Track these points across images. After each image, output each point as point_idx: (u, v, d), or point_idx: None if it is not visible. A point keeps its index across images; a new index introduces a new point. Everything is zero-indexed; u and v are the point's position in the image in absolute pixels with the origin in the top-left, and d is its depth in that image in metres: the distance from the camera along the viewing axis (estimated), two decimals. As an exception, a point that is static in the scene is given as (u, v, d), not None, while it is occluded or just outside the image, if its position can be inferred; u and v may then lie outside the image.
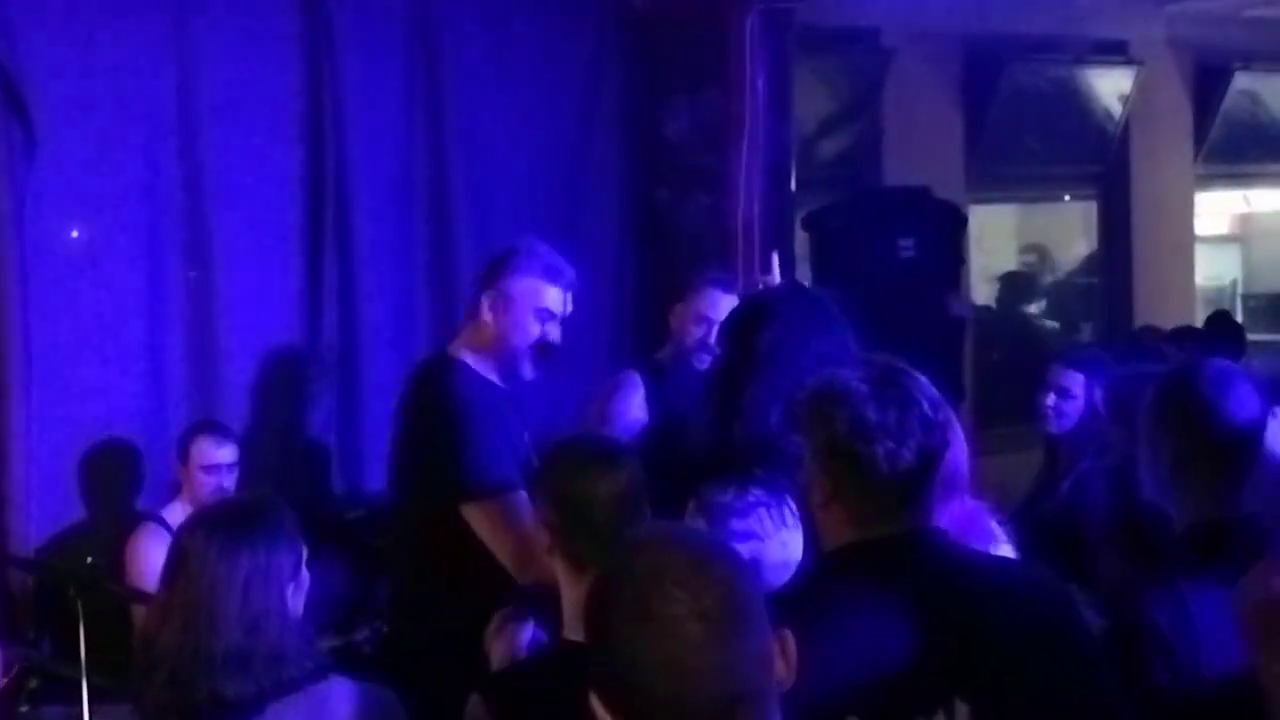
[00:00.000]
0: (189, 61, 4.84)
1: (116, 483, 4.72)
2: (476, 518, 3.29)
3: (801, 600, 2.07)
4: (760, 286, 4.38)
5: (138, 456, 4.75)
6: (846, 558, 2.14)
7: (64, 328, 4.65)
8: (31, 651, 3.95)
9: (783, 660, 1.56)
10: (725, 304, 4.20)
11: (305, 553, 2.50)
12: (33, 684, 3.58)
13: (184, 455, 4.47)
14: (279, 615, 2.39)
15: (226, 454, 4.46)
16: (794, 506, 2.56)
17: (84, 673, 3.21)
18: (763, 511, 2.60)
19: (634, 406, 4.36)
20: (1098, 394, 4.13)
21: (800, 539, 2.56)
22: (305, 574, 2.49)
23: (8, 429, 4.47)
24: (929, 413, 2.13)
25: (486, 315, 3.51)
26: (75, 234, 4.78)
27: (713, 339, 4.05)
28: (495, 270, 3.60)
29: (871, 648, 2.00)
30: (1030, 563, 2.57)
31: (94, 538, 4.61)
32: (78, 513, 4.69)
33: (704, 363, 4.20)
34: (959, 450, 2.50)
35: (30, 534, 4.54)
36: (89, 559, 4.40)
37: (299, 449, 5.05)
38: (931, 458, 2.13)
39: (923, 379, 2.18)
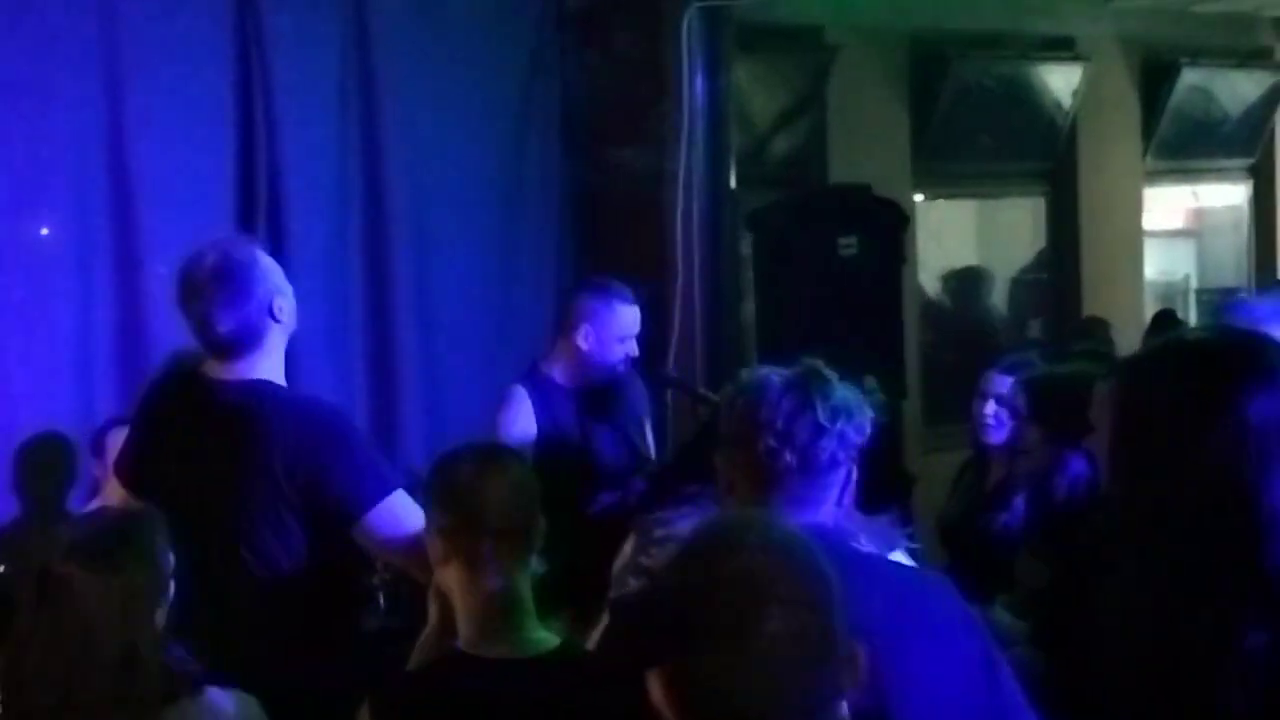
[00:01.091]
0: (117, 61, 4.79)
1: (44, 478, 4.67)
2: None
3: None
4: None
5: (68, 455, 4.68)
6: None
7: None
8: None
9: (854, 673, 1.55)
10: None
11: (172, 564, 2.47)
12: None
13: (99, 449, 4.38)
14: (153, 636, 2.37)
15: None
16: None
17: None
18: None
19: (521, 419, 4.26)
20: (1020, 398, 4.09)
21: None
22: (171, 587, 2.46)
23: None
24: (821, 419, 2.20)
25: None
26: None
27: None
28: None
29: None
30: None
31: (17, 535, 4.54)
32: (9, 509, 4.65)
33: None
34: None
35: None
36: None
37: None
38: (815, 460, 2.20)
39: (838, 387, 2.25)
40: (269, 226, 5.07)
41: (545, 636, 2.47)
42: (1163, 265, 9.21)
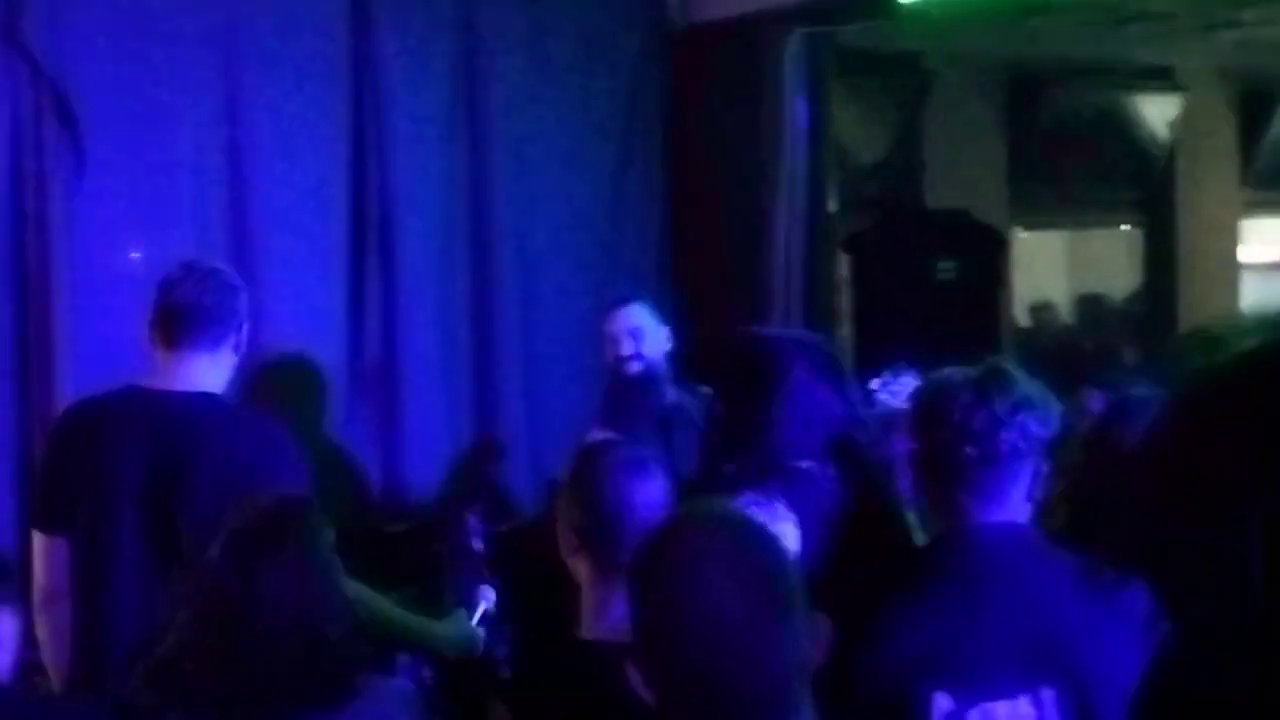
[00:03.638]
0: (237, 85, 4.90)
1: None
2: None
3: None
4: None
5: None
6: (932, 550, 2.27)
7: (111, 341, 4.68)
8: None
9: (816, 643, 1.62)
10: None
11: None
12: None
13: None
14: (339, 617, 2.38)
15: None
16: (784, 508, 2.71)
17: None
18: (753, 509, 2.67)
19: None
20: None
21: (793, 531, 2.67)
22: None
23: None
24: (999, 410, 2.20)
25: None
26: (135, 254, 4.84)
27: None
28: None
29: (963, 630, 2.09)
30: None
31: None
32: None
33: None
34: None
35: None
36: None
37: (341, 463, 5.09)
38: (995, 452, 2.19)
39: (1021, 381, 2.25)
40: (380, 243, 5.16)
41: None
42: (1260, 297, 9.09)
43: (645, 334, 4.41)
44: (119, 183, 4.68)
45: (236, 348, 3.30)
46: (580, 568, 2.56)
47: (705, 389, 3.96)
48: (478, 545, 4.30)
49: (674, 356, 4.49)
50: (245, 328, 3.32)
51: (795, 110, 5.45)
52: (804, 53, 5.46)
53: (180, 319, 3.24)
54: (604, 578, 2.52)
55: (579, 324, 5.55)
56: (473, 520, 4.44)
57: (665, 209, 5.78)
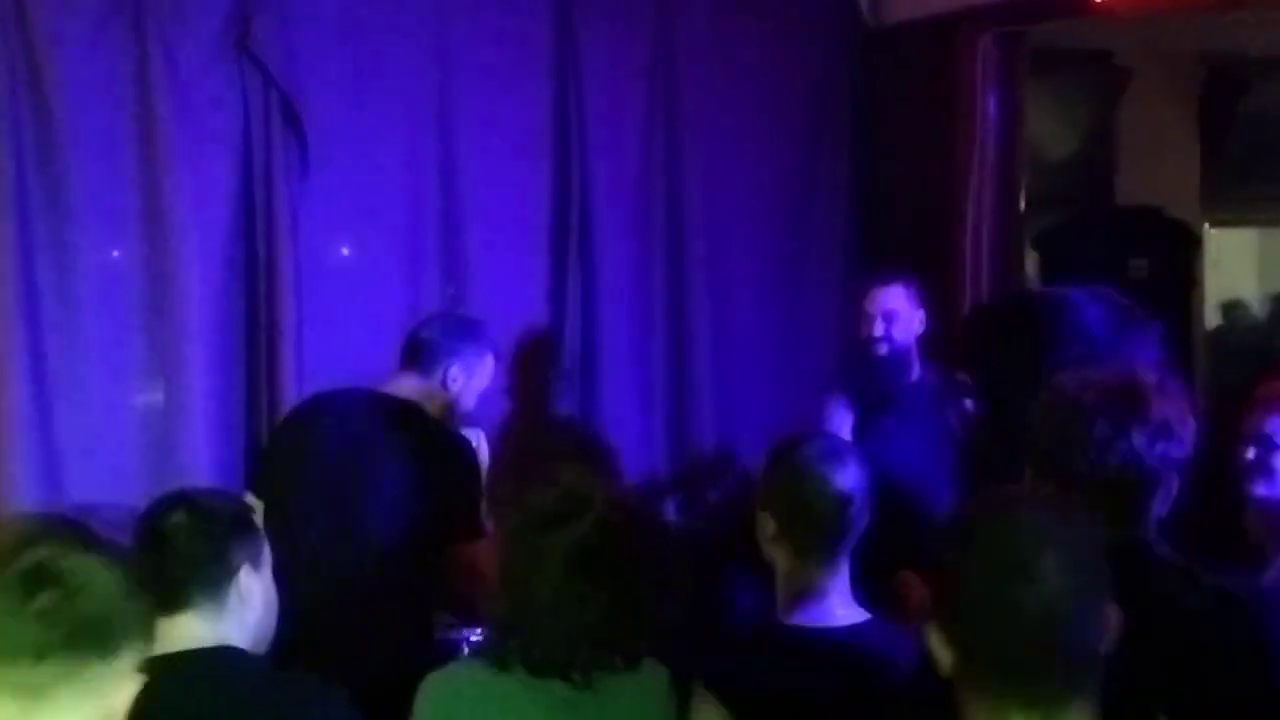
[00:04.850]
0: (447, 90, 5.07)
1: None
2: None
3: None
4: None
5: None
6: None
7: (334, 334, 4.89)
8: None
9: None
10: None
11: None
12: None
13: None
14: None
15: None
16: None
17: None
18: None
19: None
20: None
21: None
22: None
23: (280, 409, 4.72)
24: (1136, 442, 2.18)
25: None
26: (345, 250, 5.08)
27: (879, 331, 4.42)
28: None
29: None
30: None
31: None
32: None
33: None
34: None
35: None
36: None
37: (541, 448, 5.23)
38: (1131, 475, 2.18)
39: (1157, 399, 2.20)
40: (580, 242, 5.30)
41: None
42: None
43: (898, 316, 4.49)
44: (338, 181, 4.89)
45: (447, 380, 3.83)
46: (779, 555, 2.66)
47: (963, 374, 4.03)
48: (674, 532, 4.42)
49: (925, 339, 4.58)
50: (459, 367, 3.86)
51: (987, 109, 5.42)
52: (996, 51, 5.43)
53: (407, 347, 3.91)
54: (803, 563, 2.62)
55: (768, 319, 5.65)
56: (672, 509, 4.55)
57: (854, 208, 5.80)
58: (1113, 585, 1.75)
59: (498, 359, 4.02)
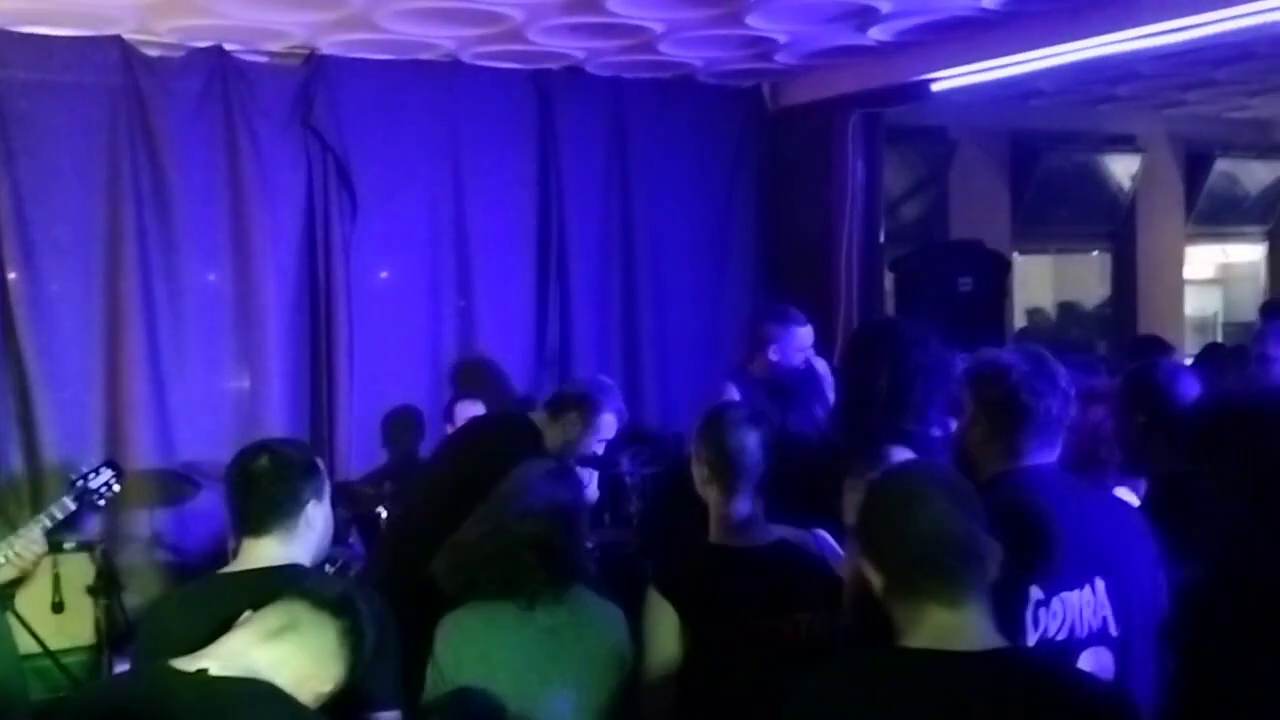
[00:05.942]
0: (459, 155, 5.03)
1: (406, 436, 4.92)
2: None
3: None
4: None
5: (421, 419, 4.94)
6: (1012, 478, 2.15)
7: (376, 336, 4.86)
8: (347, 549, 4.16)
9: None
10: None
11: None
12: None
13: (450, 416, 4.60)
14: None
15: (478, 409, 4.54)
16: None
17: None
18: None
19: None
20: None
21: None
22: None
23: (337, 401, 4.68)
24: (1061, 382, 2.17)
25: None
26: (383, 274, 5.01)
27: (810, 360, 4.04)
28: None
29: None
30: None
31: (389, 472, 4.79)
32: (380, 456, 4.90)
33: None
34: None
35: (350, 469, 4.76)
36: (385, 484, 4.56)
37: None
38: (1051, 414, 2.14)
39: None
40: (558, 269, 5.26)
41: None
42: (1198, 305, 8.82)
43: (808, 348, 4.16)
44: (378, 223, 4.85)
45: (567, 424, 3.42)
46: (710, 494, 2.60)
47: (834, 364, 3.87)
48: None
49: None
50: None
51: (856, 169, 5.44)
52: (862, 127, 5.45)
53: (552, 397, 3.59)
54: (729, 499, 2.56)
55: (698, 321, 5.63)
56: (626, 461, 4.48)
57: (761, 241, 5.80)
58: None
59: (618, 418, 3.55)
